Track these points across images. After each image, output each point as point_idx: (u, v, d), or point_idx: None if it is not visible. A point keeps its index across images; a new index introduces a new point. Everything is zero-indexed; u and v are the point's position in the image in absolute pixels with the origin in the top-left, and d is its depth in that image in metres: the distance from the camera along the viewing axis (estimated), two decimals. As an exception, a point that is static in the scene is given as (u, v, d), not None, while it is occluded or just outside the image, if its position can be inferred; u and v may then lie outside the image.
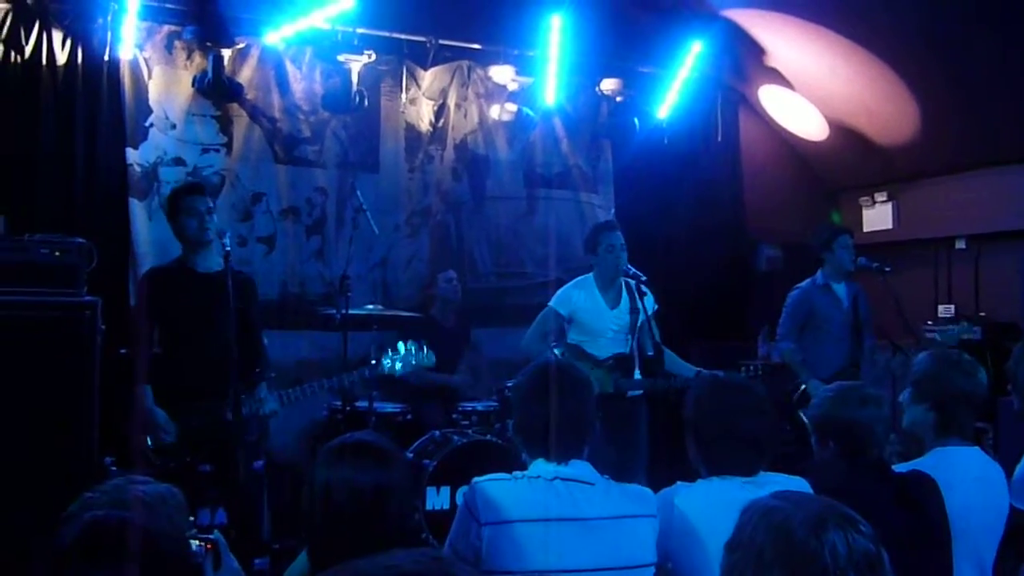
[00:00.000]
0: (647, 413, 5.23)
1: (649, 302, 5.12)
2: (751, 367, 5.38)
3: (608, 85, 7.31)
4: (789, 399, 5.62)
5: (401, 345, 4.84)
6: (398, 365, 4.79)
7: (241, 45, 6.14)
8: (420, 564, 0.72)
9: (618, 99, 7.34)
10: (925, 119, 6.91)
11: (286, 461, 5.76)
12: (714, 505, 2.49)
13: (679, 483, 2.63)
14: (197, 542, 2.05)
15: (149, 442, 4.34)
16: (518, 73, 6.96)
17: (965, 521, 2.73)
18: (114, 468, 4.74)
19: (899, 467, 2.89)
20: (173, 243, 5.66)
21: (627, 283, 5.10)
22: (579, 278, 5.31)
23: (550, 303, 5.25)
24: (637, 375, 5.14)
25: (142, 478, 1.88)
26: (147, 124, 5.97)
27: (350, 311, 5.17)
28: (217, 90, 5.98)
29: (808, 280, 5.99)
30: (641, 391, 5.10)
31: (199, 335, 4.40)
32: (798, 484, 2.57)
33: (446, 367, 6.36)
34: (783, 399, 5.70)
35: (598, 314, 5.15)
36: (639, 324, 5.08)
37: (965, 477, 2.88)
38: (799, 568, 1.45)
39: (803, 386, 5.66)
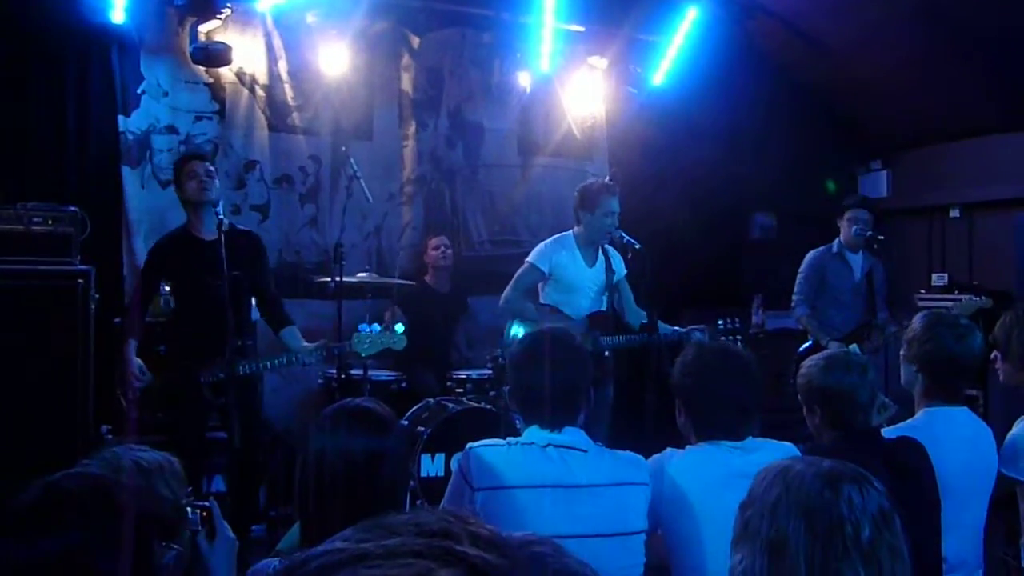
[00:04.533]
0: (613, 370, 5.32)
1: (619, 264, 5.26)
2: (728, 321, 5.26)
3: (602, 52, 7.27)
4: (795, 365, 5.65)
5: (377, 327, 4.72)
6: (365, 346, 4.60)
7: (232, 12, 6.08)
8: (444, 521, 0.74)
9: (612, 66, 7.31)
10: (923, 85, 6.90)
11: (281, 430, 5.79)
12: (703, 471, 2.51)
13: (669, 449, 2.65)
14: (191, 509, 2.07)
15: (128, 394, 4.47)
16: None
17: (954, 480, 2.76)
18: (110, 436, 4.77)
19: (888, 430, 2.92)
20: (167, 211, 5.72)
21: (600, 245, 5.18)
22: (558, 235, 5.32)
23: (529, 259, 5.24)
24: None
25: (140, 447, 1.89)
26: (139, 92, 5.93)
27: (344, 279, 5.16)
28: (209, 57, 5.92)
29: (824, 246, 6.01)
30: (619, 347, 5.15)
31: (202, 300, 4.44)
32: (788, 450, 2.60)
33: (443, 334, 6.38)
34: (784, 365, 5.76)
35: (577, 270, 5.18)
36: (614, 283, 5.18)
37: (953, 436, 2.91)
38: (815, 517, 1.46)
39: (804, 348, 5.72)
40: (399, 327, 4.67)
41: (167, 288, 4.87)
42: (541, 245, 5.31)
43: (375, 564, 0.69)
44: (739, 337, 5.17)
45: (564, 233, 5.32)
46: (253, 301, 4.84)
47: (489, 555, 0.71)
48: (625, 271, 5.37)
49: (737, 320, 5.29)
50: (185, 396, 4.40)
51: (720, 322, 5.21)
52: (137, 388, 4.43)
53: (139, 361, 4.45)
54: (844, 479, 1.50)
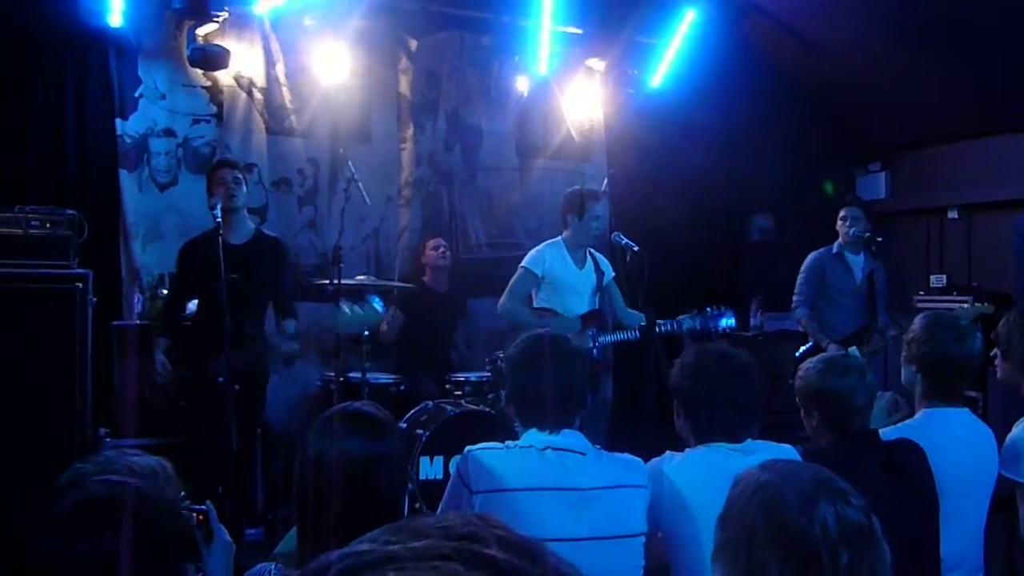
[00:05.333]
0: (612, 372, 5.66)
1: (607, 266, 5.50)
2: (715, 308, 5.33)
3: (600, 54, 7.27)
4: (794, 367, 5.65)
5: (346, 306, 5.03)
6: (352, 326, 5.05)
7: (230, 15, 6.07)
8: (472, 525, 0.74)
9: (611, 68, 7.31)
10: (921, 87, 6.90)
11: (279, 432, 5.77)
12: (702, 473, 2.51)
13: (668, 452, 2.65)
14: (186, 513, 2.06)
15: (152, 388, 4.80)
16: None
17: (953, 481, 2.75)
18: (108, 439, 4.77)
19: (887, 431, 2.91)
20: (164, 214, 5.73)
21: (588, 249, 5.44)
22: (548, 241, 5.51)
23: (523, 264, 5.40)
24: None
25: (133, 451, 1.88)
26: (137, 95, 5.92)
27: (342, 281, 5.16)
28: (206, 61, 5.92)
29: (825, 247, 6.05)
30: (618, 340, 5.39)
31: (207, 302, 4.61)
32: (787, 452, 2.59)
33: (442, 335, 6.38)
34: (783, 367, 5.77)
35: (569, 272, 5.37)
36: (604, 284, 5.41)
37: (952, 437, 2.90)
38: (791, 546, 1.46)
39: (802, 350, 5.75)
40: (375, 300, 5.01)
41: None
42: (533, 251, 5.46)
43: (402, 566, 0.69)
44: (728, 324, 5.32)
45: (554, 239, 5.48)
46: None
47: (517, 559, 0.71)
48: (613, 273, 5.54)
49: (723, 307, 5.36)
50: (201, 392, 4.52)
51: (708, 308, 5.31)
52: (159, 384, 4.72)
53: (164, 359, 4.72)
54: (820, 499, 1.49)
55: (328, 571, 0.71)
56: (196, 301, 4.95)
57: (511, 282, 5.39)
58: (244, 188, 4.86)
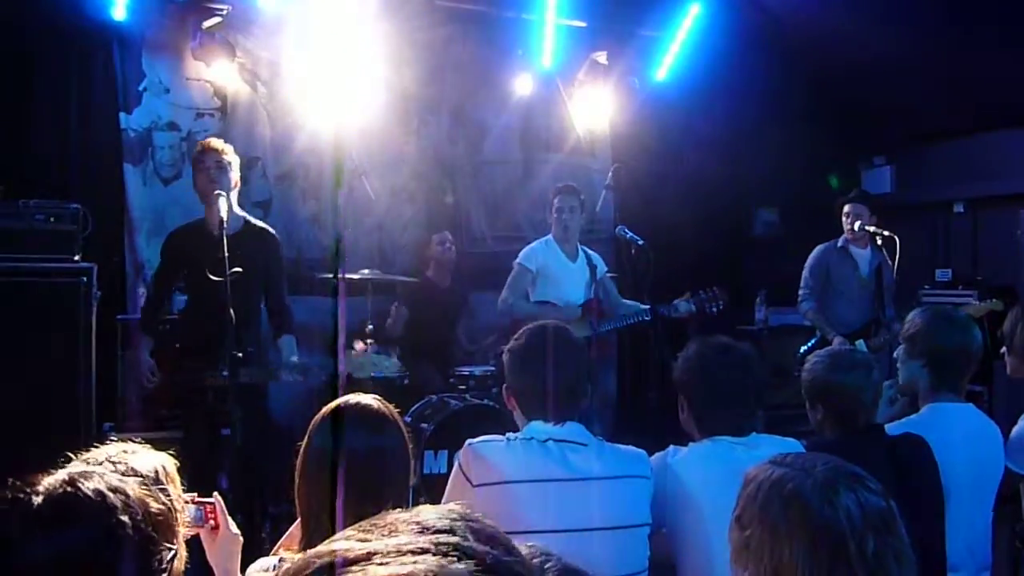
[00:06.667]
0: (616, 363, 5.92)
1: (599, 261, 5.61)
2: (707, 291, 5.49)
3: (605, 48, 7.25)
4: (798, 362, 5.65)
5: (374, 355, 4.86)
6: (365, 370, 4.85)
7: (234, 8, 6.05)
8: (446, 518, 0.75)
9: (615, 62, 7.29)
10: (927, 81, 6.88)
11: (284, 425, 5.77)
12: (707, 467, 2.50)
13: (672, 446, 2.64)
14: (195, 506, 2.07)
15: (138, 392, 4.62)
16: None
17: (959, 477, 2.74)
18: (113, 436, 4.76)
19: (892, 427, 2.90)
20: (168, 208, 5.71)
21: (580, 246, 5.65)
22: (541, 238, 5.71)
23: (518, 260, 5.59)
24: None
25: (131, 446, 1.87)
26: (141, 88, 5.93)
27: (346, 275, 5.15)
28: (211, 54, 5.92)
29: (830, 241, 6.05)
30: (617, 327, 5.63)
31: (206, 298, 4.36)
32: (791, 446, 2.58)
33: (445, 329, 6.37)
34: (787, 361, 5.78)
35: (562, 265, 5.56)
36: (598, 277, 5.51)
37: (960, 433, 2.89)
38: (818, 537, 1.45)
39: (807, 346, 5.76)
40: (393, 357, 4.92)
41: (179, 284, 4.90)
42: (526, 247, 5.66)
43: (384, 562, 0.69)
44: (721, 303, 5.48)
45: (546, 236, 5.69)
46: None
47: (495, 550, 0.72)
48: (606, 269, 5.73)
49: (715, 289, 5.52)
50: (192, 398, 4.41)
51: (701, 292, 5.51)
52: (148, 388, 4.55)
53: (151, 362, 4.54)
54: (840, 487, 1.48)
55: (306, 571, 0.71)
56: (184, 298, 4.82)
57: (509, 279, 5.56)
58: (230, 174, 4.48)
